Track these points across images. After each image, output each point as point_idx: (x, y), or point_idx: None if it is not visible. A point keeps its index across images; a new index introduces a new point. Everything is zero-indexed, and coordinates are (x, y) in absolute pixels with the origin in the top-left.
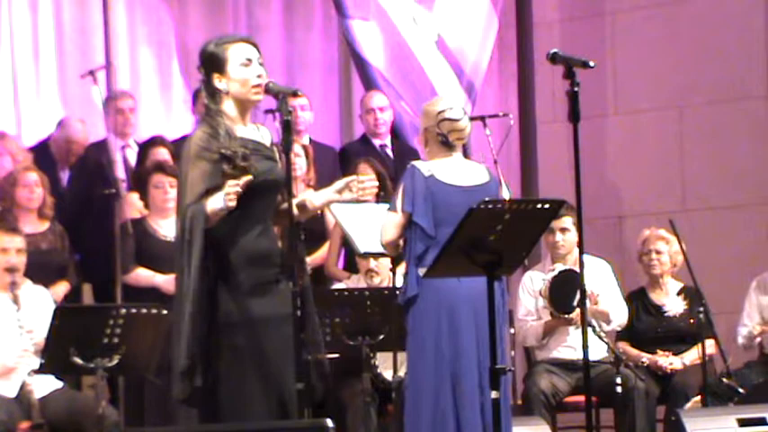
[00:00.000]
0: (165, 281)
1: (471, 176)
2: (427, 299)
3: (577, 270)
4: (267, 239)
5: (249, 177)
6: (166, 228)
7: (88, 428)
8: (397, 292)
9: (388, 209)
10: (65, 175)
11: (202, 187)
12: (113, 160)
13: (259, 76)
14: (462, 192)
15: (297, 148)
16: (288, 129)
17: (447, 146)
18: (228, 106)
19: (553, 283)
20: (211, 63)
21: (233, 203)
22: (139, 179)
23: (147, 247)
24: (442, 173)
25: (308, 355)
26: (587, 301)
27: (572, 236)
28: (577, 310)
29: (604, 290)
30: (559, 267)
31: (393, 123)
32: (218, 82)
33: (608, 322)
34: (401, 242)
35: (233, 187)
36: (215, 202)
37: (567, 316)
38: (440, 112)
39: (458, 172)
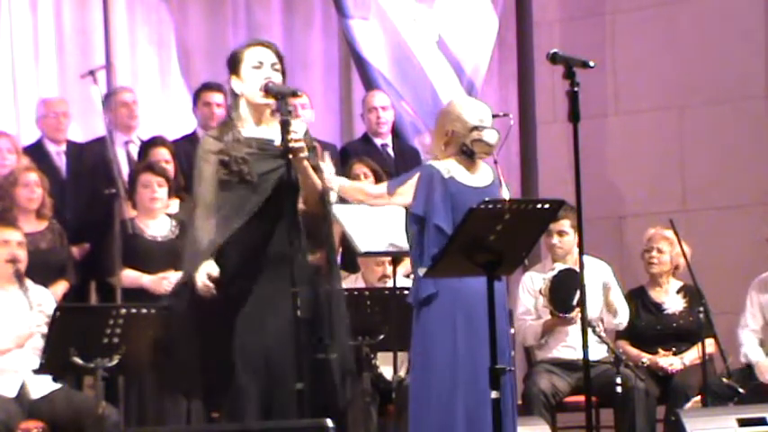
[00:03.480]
0: (152, 281)
1: (482, 177)
2: (443, 298)
3: (577, 270)
4: (277, 240)
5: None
6: (154, 227)
7: (88, 428)
8: (402, 293)
9: (399, 183)
10: (62, 163)
11: (208, 196)
12: (113, 159)
13: (267, 78)
14: (478, 192)
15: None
16: (286, 129)
17: (467, 155)
18: (243, 107)
19: (553, 282)
20: (231, 65)
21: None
22: (132, 177)
23: (133, 246)
24: (461, 174)
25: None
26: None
27: (569, 238)
28: (577, 310)
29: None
30: (559, 267)
31: (393, 123)
32: (234, 83)
33: (615, 315)
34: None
35: (205, 285)
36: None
37: (566, 316)
38: (476, 128)
39: (472, 173)
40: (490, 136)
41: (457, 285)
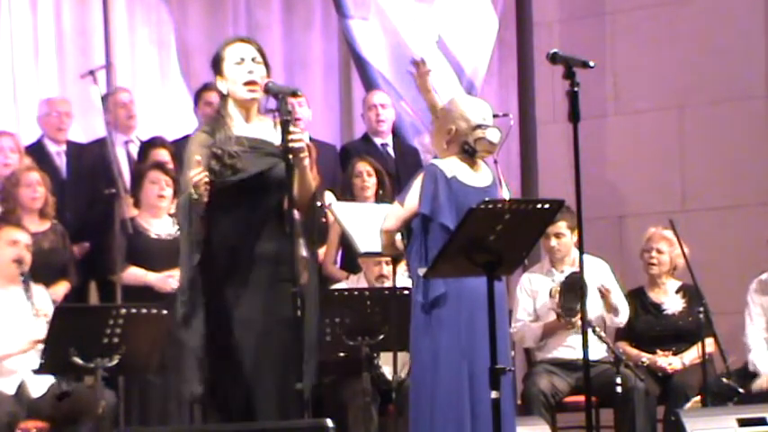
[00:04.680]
0: (158, 279)
1: (483, 177)
2: (451, 298)
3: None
4: (269, 238)
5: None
6: (158, 226)
7: (87, 424)
8: (402, 293)
9: (397, 199)
10: (62, 163)
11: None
12: (113, 159)
13: (250, 72)
14: (480, 192)
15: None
16: (287, 128)
17: (469, 154)
18: (231, 106)
19: (564, 286)
20: (214, 66)
21: (199, 194)
22: (136, 175)
23: (137, 245)
24: (463, 174)
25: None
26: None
27: (567, 240)
28: (578, 315)
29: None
30: (568, 270)
31: (393, 123)
32: (220, 83)
33: (617, 314)
34: (399, 241)
35: (197, 176)
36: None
37: (571, 320)
38: (479, 127)
39: (473, 172)
40: (493, 135)
41: (459, 285)
